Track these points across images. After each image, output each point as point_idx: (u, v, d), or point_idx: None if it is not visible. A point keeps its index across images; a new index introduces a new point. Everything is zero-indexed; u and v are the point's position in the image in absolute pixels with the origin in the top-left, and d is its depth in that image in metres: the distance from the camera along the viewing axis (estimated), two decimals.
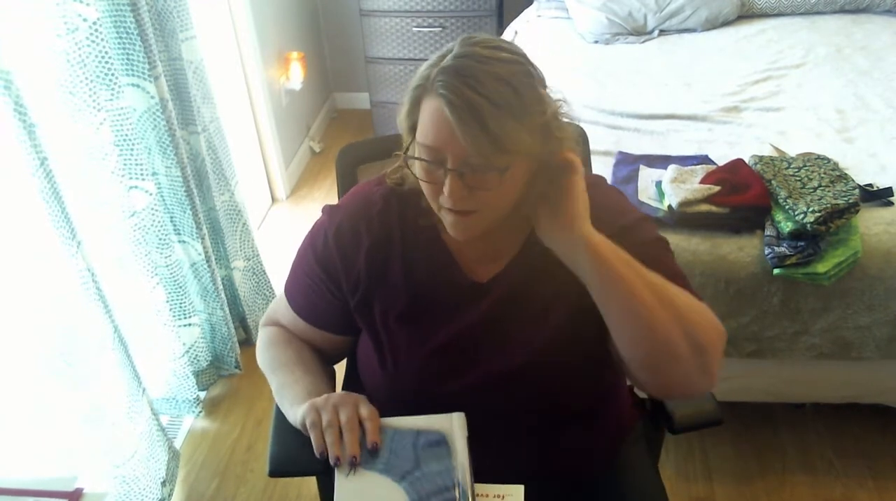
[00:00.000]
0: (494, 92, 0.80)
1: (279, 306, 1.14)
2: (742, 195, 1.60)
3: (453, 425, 0.89)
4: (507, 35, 2.82)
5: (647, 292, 0.85)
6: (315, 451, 0.89)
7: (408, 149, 0.90)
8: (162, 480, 1.74)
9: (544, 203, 0.89)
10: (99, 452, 1.61)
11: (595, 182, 1.04)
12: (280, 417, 1.09)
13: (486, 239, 0.97)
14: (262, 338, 1.14)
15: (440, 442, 0.88)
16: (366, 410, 0.91)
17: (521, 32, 2.80)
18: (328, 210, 1.05)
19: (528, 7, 3.02)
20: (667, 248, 1.00)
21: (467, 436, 0.88)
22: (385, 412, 0.93)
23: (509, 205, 0.90)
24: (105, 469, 1.62)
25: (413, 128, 0.89)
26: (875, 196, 1.63)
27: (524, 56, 0.87)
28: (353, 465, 0.87)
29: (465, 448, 0.87)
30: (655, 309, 0.84)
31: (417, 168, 0.89)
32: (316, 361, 1.09)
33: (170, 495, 1.78)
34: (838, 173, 1.64)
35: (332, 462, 0.87)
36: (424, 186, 0.91)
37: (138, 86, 1.65)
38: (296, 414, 0.96)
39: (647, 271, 0.87)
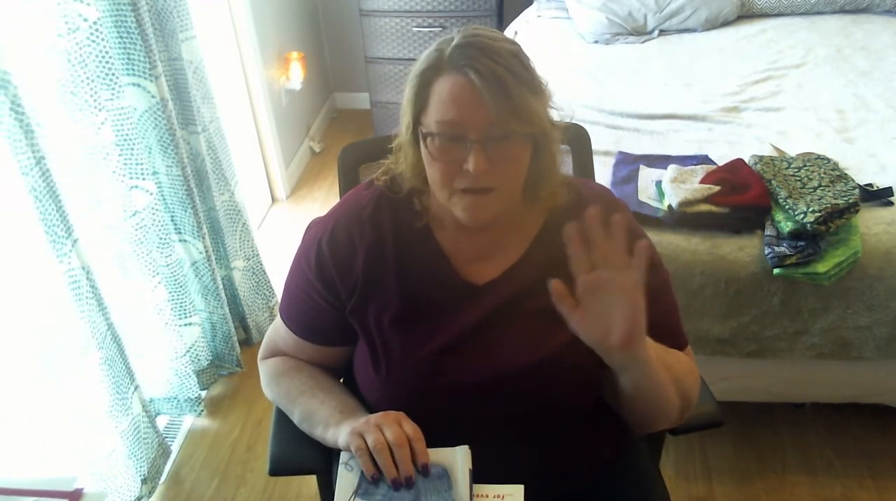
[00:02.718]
0: (513, 65, 0.86)
1: (277, 333, 1.12)
2: (742, 195, 1.60)
3: (457, 459, 0.89)
4: (507, 35, 2.82)
5: (670, 383, 0.93)
6: (366, 476, 0.87)
7: (413, 132, 0.92)
8: (143, 477, 1.74)
9: (586, 309, 0.82)
10: (77, 449, 1.61)
11: (600, 193, 1.05)
12: (280, 416, 1.09)
13: (480, 236, 0.98)
14: (266, 372, 1.12)
15: (442, 476, 0.88)
16: (410, 428, 0.89)
17: (521, 32, 2.80)
18: (317, 222, 1.06)
19: (528, 7, 3.02)
20: (668, 281, 1.06)
21: (471, 469, 0.88)
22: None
23: (520, 186, 0.94)
24: (81, 466, 1.62)
25: (418, 115, 0.90)
26: (875, 196, 1.63)
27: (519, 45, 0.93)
28: (410, 485, 0.86)
29: (466, 482, 0.87)
30: (670, 394, 0.94)
31: (431, 149, 0.89)
32: (332, 380, 1.08)
33: (150, 493, 1.77)
34: (838, 173, 1.64)
35: (389, 483, 0.86)
36: (436, 169, 0.91)
37: (139, 85, 1.65)
38: (336, 436, 0.94)
39: (671, 360, 0.96)
